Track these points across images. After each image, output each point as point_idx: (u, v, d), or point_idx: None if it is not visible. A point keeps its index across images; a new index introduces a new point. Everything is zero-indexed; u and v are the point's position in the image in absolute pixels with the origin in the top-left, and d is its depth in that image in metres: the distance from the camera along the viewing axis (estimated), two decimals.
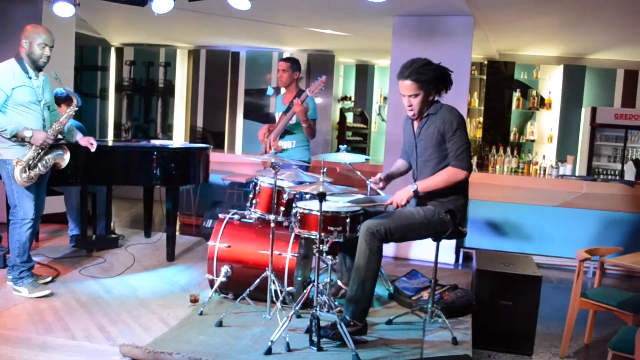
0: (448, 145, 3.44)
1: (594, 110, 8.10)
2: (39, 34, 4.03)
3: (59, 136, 4.21)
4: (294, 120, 4.97)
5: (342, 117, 9.59)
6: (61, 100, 4.99)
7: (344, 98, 9.79)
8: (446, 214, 3.48)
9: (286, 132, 5.09)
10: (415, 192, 3.45)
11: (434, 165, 3.51)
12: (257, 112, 9.35)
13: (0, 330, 3.46)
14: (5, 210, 4.51)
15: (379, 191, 4.31)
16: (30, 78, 4.03)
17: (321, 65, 9.12)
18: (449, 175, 3.42)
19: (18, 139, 3.96)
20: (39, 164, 4.02)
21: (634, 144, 8.11)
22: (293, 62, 5.12)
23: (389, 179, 3.76)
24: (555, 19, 6.20)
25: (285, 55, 9.14)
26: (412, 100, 3.48)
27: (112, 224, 5.79)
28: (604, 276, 4.23)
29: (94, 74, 9.82)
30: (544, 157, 8.14)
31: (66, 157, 4.17)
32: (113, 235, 5.64)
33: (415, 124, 3.61)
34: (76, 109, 4.19)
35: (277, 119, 5.20)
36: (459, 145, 3.42)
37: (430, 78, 3.43)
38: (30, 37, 4.01)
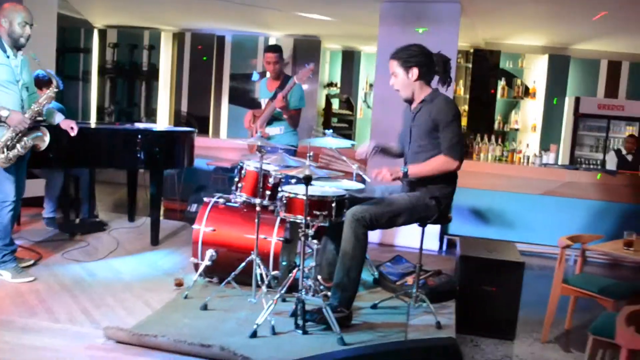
0: (441, 135, 3.44)
1: (577, 100, 8.17)
2: (19, 12, 3.94)
3: (39, 118, 4.14)
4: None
5: (328, 103, 9.58)
6: (42, 82, 4.89)
7: (330, 84, 9.77)
8: (431, 200, 3.50)
9: (274, 119, 5.06)
10: (405, 174, 3.46)
11: (425, 152, 3.52)
12: (243, 97, 9.29)
13: None
14: None
15: (364, 176, 4.32)
16: (8, 57, 3.95)
17: (307, 50, 9.08)
18: (440, 163, 3.44)
19: None
20: (18, 145, 3.94)
21: (616, 134, 8.21)
22: (281, 52, 5.08)
23: (379, 150, 3.72)
24: (542, 8, 6.22)
25: (271, 41, 9.10)
26: (394, 80, 3.55)
27: (95, 208, 5.75)
28: (585, 264, 4.29)
29: (76, 57, 9.68)
30: (527, 145, 8.23)
31: (46, 139, 4.10)
32: (96, 219, 5.60)
33: (412, 109, 3.62)
34: (56, 90, 4.11)
35: (262, 105, 5.17)
36: (452, 136, 3.43)
37: (408, 56, 3.47)
38: (9, 15, 3.92)
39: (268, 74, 5.19)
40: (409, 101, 3.61)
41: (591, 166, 8.09)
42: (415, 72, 3.48)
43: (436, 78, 3.60)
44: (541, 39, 8.18)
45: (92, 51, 9.63)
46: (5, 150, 3.90)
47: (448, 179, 3.54)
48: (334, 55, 9.91)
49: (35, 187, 5.63)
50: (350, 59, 9.81)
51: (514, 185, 6.13)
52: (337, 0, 6.26)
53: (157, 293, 3.91)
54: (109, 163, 5.18)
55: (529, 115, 8.73)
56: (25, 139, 3.98)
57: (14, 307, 3.55)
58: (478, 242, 4.52)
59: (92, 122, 9.34)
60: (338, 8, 6.72)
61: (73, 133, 4.28)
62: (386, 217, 3.44)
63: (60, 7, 7.05)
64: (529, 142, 8.54)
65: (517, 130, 8.70)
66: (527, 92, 8.67)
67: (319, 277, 3.76)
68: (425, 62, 3.49)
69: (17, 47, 4.01)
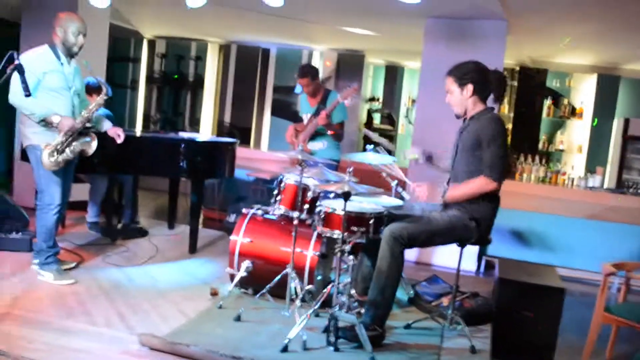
0: (483, 153, 3.40)
1: (627, 122, 7.93)
2: (73, 21, 4.09)
3: (88, 124, 4.26)
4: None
5: (370, 117, 9.56)
6: (92, 89, 5.05)
7: (372, 99, 9.74)
8: (471, 221, 3.44)
9: (317, 134, 5.09)
10: (443, 196, 3.43)
11: (466, 171, 3.48)
12: (285, 110, 9.35)
13: (22, 313, 3.52)
14: (34, 195, 4.59)
15: (403, 194, 4.28)
16: (62, 64, 4.09)
17: (351, 65, 9.09)
18: (478, 185, 3.39)
19: (47, 124, 4.01)
20: (67, 150, 4.07)
21: None
22: (311, 75, 5.08)
23: (429, 158, 3.79)
24: (591, 27, 6.09)
25: (314, 55, 9.16)
26: (449, 97, 3.54)
27: (137, 215, 5.86)
28: (629, 292, 4.14)
29: (125, 65, 9.92)
30: (572, 167, 8.01)
31: (93, 145, 4.22)
32: (137, 225, 5.70)
33: (462, 125, 3.60)
34: (105, 97, 4.23)
35: (304, 120, 5.20)
36: (493, 155, 3.37)
37: (463, 73, 3.44)
38: (64, 25, 4.07)
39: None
40: (461, 117, 3.59)
41: (639, 190, 7.83)
42: (470, 88, 3.46)
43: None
44: (590, 58, 7.99)
45: (141, 61, 9.86)
46: (55, 153, 4.03)
47: (489, 199, 3.47)
48: (377, 70, 9.89)
49: (80, 191, 5.79)
50: (393, 74, 9.78)
51: (557, 207, 5.98)
52: (382, 15, 6.25)
53: (192, 301, 3.95)
54: (151, 171, 5.29)
55: (575, 136, 8.51)
56: (74, 143, 4.10)
57: (53, 309, 3.64)
58: (517, 264, 4.43)
59: (138, 129, 9.56)
60: (383, 23, 6.72)
61: (120, 140, 4.40)
62: (424, 236, 3.40)
63: (112, 17, 7.26)
64: (574, 163, 8.31)
65: (562, 151, 8.49)
66: (573, 112, 8.46)
67: (353, 291, 3.74)
68: (479, 79, 3.47)
69: (70, 55, 4.15)
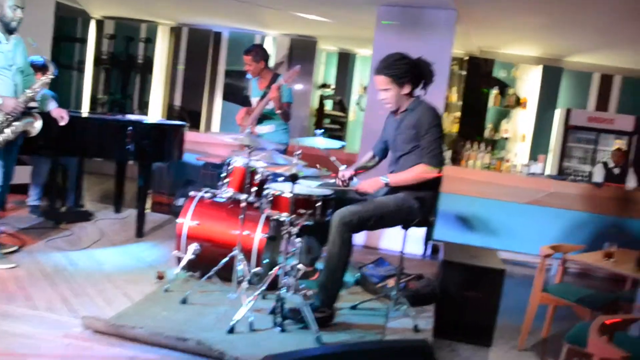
0: (421, 142, 3.48)
1: (568, 112, 8.23)
2: None
3: (32, 104, 4.13)
4: (270, 106, 4.95)
5: (321, 104, 9.59)
6: (37, 68, 4.85)
7: (324, 85, 9.78)
8: (415, 202, 3.52)
9: (264, 117, 5.08)
10: (386, 184, 3.50)
11: (408, 160, 3.57)
12: (237, 94, 9.29)
13: None
14: None
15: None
16: (0, 42, 3.94)
17: (303, 50, 9.09)
18: (420, 171, 3.47)
19: None
20: (8, 130, 3.93)
21: (604, 147, 8.26)
22: (255, 54, 5.07)
23: (356, 174, 3.83)
24: (537, 19, 6.27)
25: (267, 40, 9.12)
26: (386, 94, 3.56)
27: (81, 198, 5.74)
28: (565, 273, 4.33)
29: (72, 46, 9.65)
30: (516, 155, 8.27)
31: (37, 125, 4.09)
32: (82, 209, 5.59)
33: (396, 118, 3.65)
34: (52, 76, 4.10)
35: (254, 104, 5.19)
36: (431, 143, 3.46)
37: (401, 72, 3.50)
38: None
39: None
40: (396, 111, 3.66)
41: (579, 177, 8.14)
42: (408, 87, 3.53)
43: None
44: (535, 50, 8.23)
45: (88, 41, 9.60)
46: None
47: (431, 183, 3.56)
48: (329, 56, 9.92)
49: (22, 173, 5.62)
50: (345, 61, 9.83)
51: (500, 193, 6.17)
52: (335, 2, 6.27)
53: (138, 285, 3.91)
54: (97, 153, 5.15)
55: (519, 125, 8.77)
56: (16, 123, 3.97)
57: None
58: (461, 248, 4.55)
59: (85, 111, 9.32)
60: (335, 10, 6.74)
61: (63, 122, 4.28)
62: (373, 220, 3.47)
63: None
64: (518, 151, 8.59)
65: (507, 139, 8.74)
66: (518, 101, 8.71)
67: (300, 265, 3.78)
68: (415, 75, 3.53)
69: (9, 31, 3.99)
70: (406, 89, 3.53)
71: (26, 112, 4.03)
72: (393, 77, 3.49)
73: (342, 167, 3.83)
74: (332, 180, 3.85)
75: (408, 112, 3.57)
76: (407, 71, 3.50)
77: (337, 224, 3.38)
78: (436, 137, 3.47)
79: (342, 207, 3.45)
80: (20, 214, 5.46)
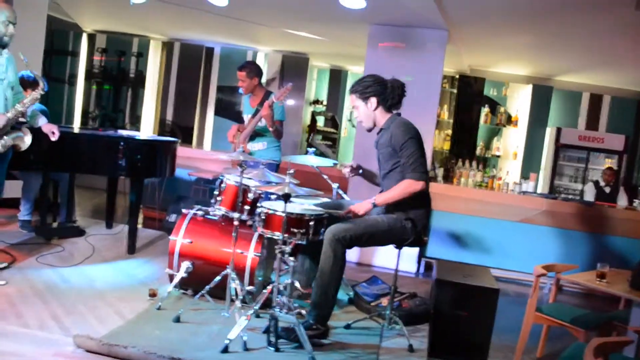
0: (400, 158, 3.52)
1: (558, 131, 8.30)
2: (2, 10, 3.91)
3: (22, 119, 4.11)
4: (263, 123, 4.94)
5: (313, 120, 9.61)
6: (27, 83, 4.84)
7: (316, 102, 9.82)
8: (407, 221, 3.53)
9: (257, 134, 5.07)
10: (374, 205, 3.52)
11: (392, 177, 3.60)
12: (229, 110, 9.29)
13: None
14: None
15: (344, 195, 4.35)
16: None
17: (295, 67, 9.13)
18: (404, 187, 3.48)
19: None
20: None
21: (595, 165, 8.34)
22: (249, 70, 5.06)
23: (360, 171, 3.84)
24: (527, 39, 6.34)
25: (259, 56, 9.15)
26: (357, 112, 3.69)
27: (73, 213, 5.69)
28: (559, 293, 4.34)
29: (63, 59, 9.62)
30: (507, 173, 8.32)
31: (27, 140, 4.07)
32: (74, 224, 5.54)
33: (376, 138, 3.71)
34: (42, 92, 4.08)
35: (246, 121, 5.19)
36: (410, 157, 3.48)
37: (365, 89, 3.59)
38: None
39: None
40: (371, 129, 3.72)
41: (570, 196, 8.20)
42: (373, 101, 3.60)
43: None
44: (525, 69, 8.32)
45: (80, 55, 9.58)
46: None
47: (419, 200, 3.57)
48: (321, 73, 9.97)
49: (12, 188, 5.57)
50: (337, 78, 9.88)
51: (492, 211, 6.18)
52: (327, 20, 6.31)
53: (130, 303, 3.87)
54: (89, 169, 5.13)
55: (510, 143, 8.83)
56: (5, 137, 3.94)
57: None
58: (454, 266, 4.55)
59: (76, 126, 9.28)
60: (327, 28, 6.78)
61: (54, 138, 4.26)
62: (365, 237, 3.48)
63: (50, 9, 7.03)
64: (510, 169, 8.64)
65: (498, 157, 8.80)
66: (509, 120, 8.78)
67: (297, 284, 3.77)
68: (381, 91, 3.61)
69: (1, 45, 3.98)
70: (372, 104, 3.59)
71: (16, 127, 4.01)
72: (358, 93, 3.63)
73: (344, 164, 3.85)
74: (328, 200, 3.86)
75: (383, 131, 3.64)
76: (369, 86, 3.60)
77: (329, 240, 3.39)
78: (413, 149, 3.49)
79: (335, 224, 3.46)
80: (11, 229, 5.40)
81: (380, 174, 3.72)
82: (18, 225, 5.40)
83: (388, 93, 3.61)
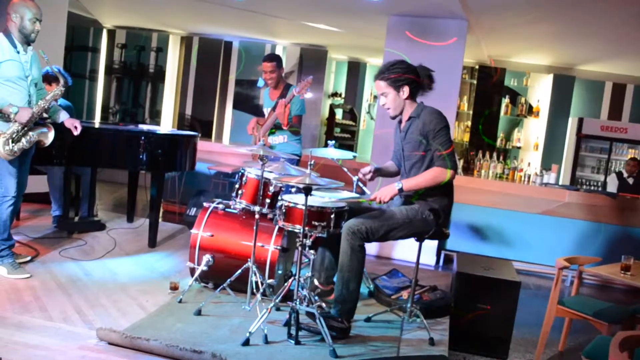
0: (432, 147, 3.46)
1: (580, 121, 8.19)
2: (29, 8, 3.97)
3: (45, 115, 4.16)
4: None
5: (332, 113, 9.60)
6: (50, 79, 4.93)
7: (335, 94, 9.79)
8: (429, 213, 3.49)
9: (277, 128, 5.07)
10: (400, 190, 3.46)
11: (420, 167, 3.53)
12: (247, 103, 9.32)
13: None
14: None
15: (364, 189, 4.33)
16: (18, 53, 3.97)
17: (313, 60, 9.12)
18: (434, 175, 3.43)
19: (3, 114, 3.90)
20: (23, 139, 3.96)
21: (618, 156, 8.21)
22: (278, 61, 5.06)
23: (377, 172, 3.78)
24: (548, 28, 6.25)
25: (277, 49, 9.14)
26: (385, 99, 3.56)
27: (95, 207, 5.75)
28: (581, 285, 4.29)
29: (84, 55, 9.73)
30: (529, 164, 8.23)
31: (50, 136, 4.13)
32: (95, 219, 5.60)
33: (401, 126, 3.64)
34: (63, 88, 4.14)
35: (265, 114, 5.19)
36: (441, 145, 3.43)
37: (397, 76, 3.49)
38: (20, 11, 3.95)
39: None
40: (398, 118, 3.65)
41: (592, 187, 8.09)
42: (406, 90, 3.51)
43: None
44: (546, 59, 8.21)
45: (100, 51, 9.67)
46: (10, 142, 3.92)
47: (444, 191, 3.53)
48: (339, 65, 9.94)
49: (39, 183, 5.65)
50: (355, 70, 9.85)
51: (513, 203, 6.13)
52: (345, 11, 6.28)
53: (152, 296, 3.91)
54: (110, 163, 5.20)
55: (531, 134, 8.74)
56: (30, 133, 4.00)
57: (9, 303, 3.55)
58: (475, 259, 4.52)
59: (97, 121, 9.38)
60: (345, 19, 6.75)
61: (76, 132, 4.32)
62: (383, 230, 3.44)
63: (70, 5, 7.10)
64: (531, 160, 8.54)
65: (519, 148, 8.71)
66: (530, 110, 8.68)
67: (316, 281, 3.76)
68: (413, 79, 3.52)
69: (27, 42, 4.03)
70: (404, 93, 3.51)
71: (40, 123, 4.07)
72: (389, 81, 3.50)
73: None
74: (348, 193, 3.84)
75: (412, 119, 3.55)
76: (403, 74, 3.50)
77: (346, 233, 3.37)
78: (445, 138, 3.44)
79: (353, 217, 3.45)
80: (35, 223, 5.48)
81: (405, 164, 3.64)
82: (51, 221, 5.47)
83: (419, 81, 3.54)
